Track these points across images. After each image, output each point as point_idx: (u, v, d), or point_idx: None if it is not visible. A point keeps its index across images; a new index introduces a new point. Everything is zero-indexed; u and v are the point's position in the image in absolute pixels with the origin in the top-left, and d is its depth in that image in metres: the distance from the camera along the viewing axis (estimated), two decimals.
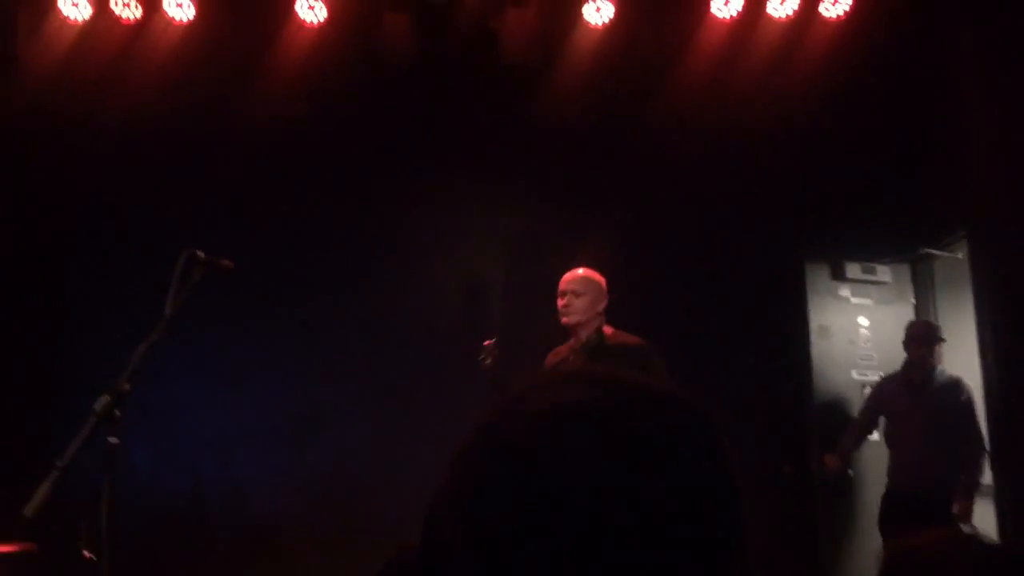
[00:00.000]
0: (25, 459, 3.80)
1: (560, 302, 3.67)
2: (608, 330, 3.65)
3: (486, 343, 3.78)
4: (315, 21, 4.89)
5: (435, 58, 4.98)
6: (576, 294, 3.62)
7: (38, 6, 4.64)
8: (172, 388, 4.53)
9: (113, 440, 2.88)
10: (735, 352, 4.93)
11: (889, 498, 4.51)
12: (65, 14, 4.72)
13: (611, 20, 4.87)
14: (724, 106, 5.04)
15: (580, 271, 3.71)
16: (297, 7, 4.86)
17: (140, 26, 4.84)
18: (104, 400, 2.75)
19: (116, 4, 4.74)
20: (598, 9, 4.84)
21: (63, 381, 4.53)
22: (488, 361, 3.72)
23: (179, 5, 4.79)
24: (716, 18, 4.94)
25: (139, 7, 4.78)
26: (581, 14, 4.89)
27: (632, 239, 4.98)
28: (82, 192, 5.04)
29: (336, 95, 4.95)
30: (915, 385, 4.50)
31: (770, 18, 4.94)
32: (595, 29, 4.94)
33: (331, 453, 4.85)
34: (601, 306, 3.65)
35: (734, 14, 4.90)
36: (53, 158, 4.97)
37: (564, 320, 3.65)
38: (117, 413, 2.82)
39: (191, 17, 4.82)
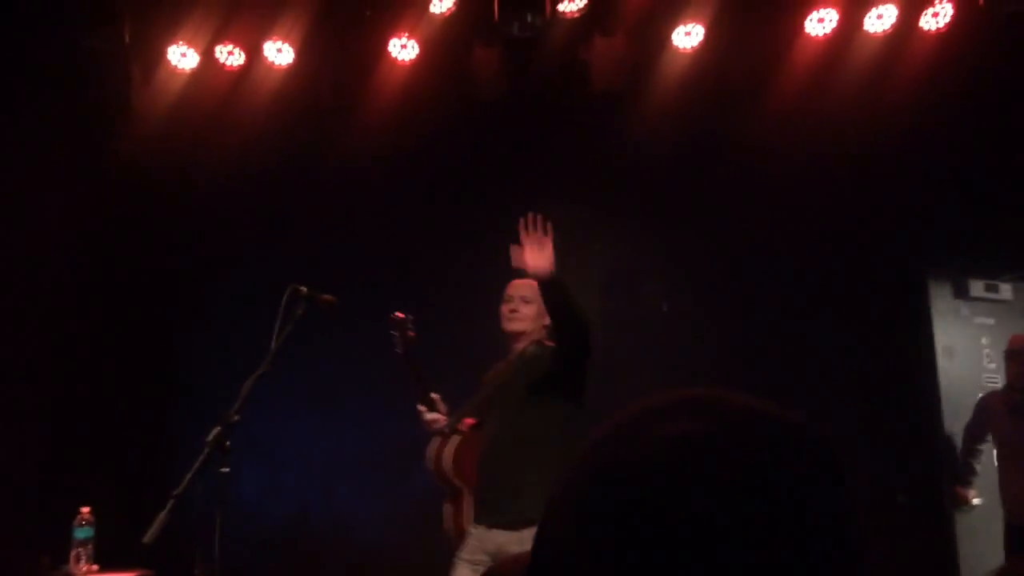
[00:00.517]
0: (142, 489, 3.96)
1: (506, 307, 3.45)
2: (549, 344, 3.38)
3: (398, 316, 3.45)
4: (407, 59, 5.01)
5: (525, 90, 5.04)
6: (525, 300, 3.40)
7: (150, 57, 4.89)
8: (278, 419, 4.66)
9: (224, 470, 3.00)
10: (855, 375, 4.78)
11: (1009, 532, 4.25)
12: (174, 64, 4.96)
13: (700, 43, 4.83)
14: (824, 124, 4.93)
15: (527, 280, 3.43)
16: (390, 47, 4.99)
17: (243, 72, 5.05)
18: (216, 432, 2.86)
19: (220, 52, 4.97)
20: (688, 33, 4.81)
21: (176, 414, 4.72)
22: (401, 339, 3.43)
23: (279, 50, 4.98)
24: (810, 36, 4.84)
25: (242, 54, 4.99)
26: (670, 39, 4.87)
27: (736, 264, 4.90)
28: (191, 232, 5.29)
29: (430, 130, 5.05)
30: (1017, 405, 4.23)
31: (867, 34, 4.82)
32: (684, 53, 4.91)
33: (432, 483, 4.89)
34: (547, 319, 3.35)
35: (828, 31, 4.79)
36: (165, 200, 5.23)
37: (509, 327, 3.42)
38: (228, 444, 2.93)
39: (290, 61, 5.01)
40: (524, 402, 3.29)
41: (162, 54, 4.90)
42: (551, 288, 3.13)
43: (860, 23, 4.79)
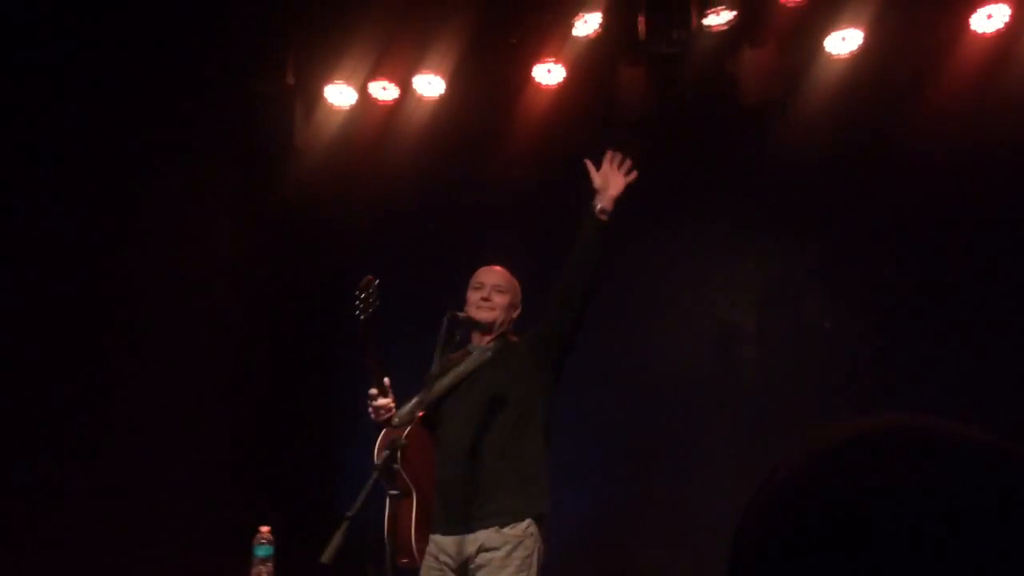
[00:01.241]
0: (312, 511, 4.12)
1: (477, 295, 3.25)
2: (514, 339, 3.25)
3: (369, 278, 3.19)
4: (552, 83, 5.06)
5: (671, 107, 4.99)
6: (499, 290, 3.24)
7: (310, 97, 5.16)
8: None
9: (393, 492, 3.09)
10: None
11: None
12: (331, 102, 5.21)
13: (859, 47, 4.64)
14: (992, 124, 4.62)
15: (499, 268, 3.33)
16: (535, 72, 5.05)
17: (396, 106, 5.24)
18: (384, 456, 2.96)
19: (374, 88, 5.18)
20: (843, 39, 4.63)
21: (345, 439, 4.91)
22: (365, 304, 3.15)
23: (429, 83, 5.14)
24: (977, 33, 4.56)
25: (395, 88, 5.19)
26: (823, 46, 4.70)
27: (902, 275, 4.66)
28: (351, 260, 5.51)
29: (576, 152, 5.06)
30: None
31: None
32: (839, 59, 4.72)
33: (587, 503, 4.87)
34: (515, 313, 3.28)
35: (1000, 26, 4.50)
36: (327, 231, 5.49)
37: (479, 316, 3.22)
38: (396, 467, 3.02)
39: (440, 92, 5.16)
40: (500, 400, 3.10)
41: (321, 93, 5.16)
42: (608, 226, 3.08)
43: None
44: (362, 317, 3.14)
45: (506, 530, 2.98)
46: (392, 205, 5.30)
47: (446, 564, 3.07)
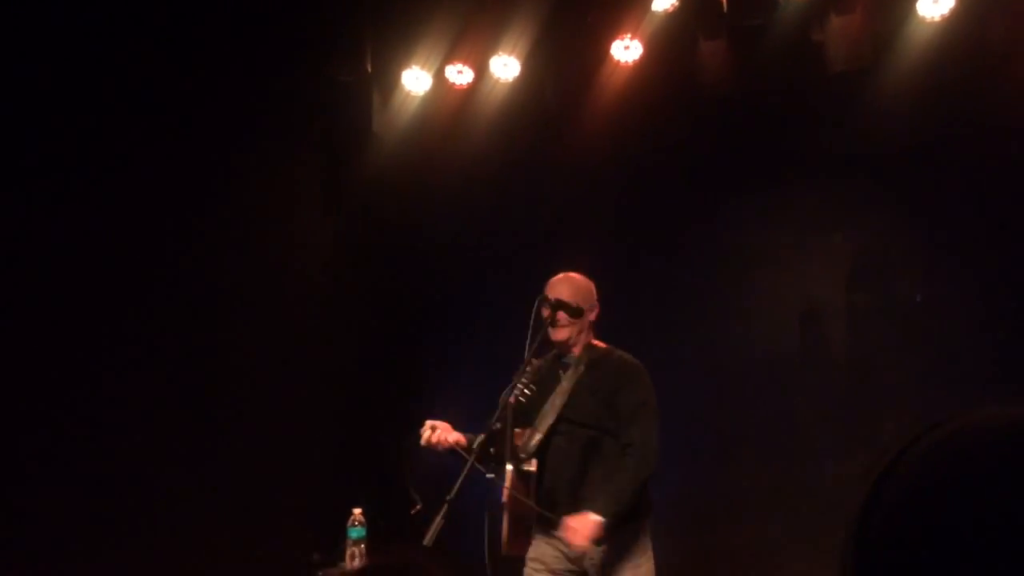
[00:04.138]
0: (404, 494, 4.14)
1: (546, 313, 3.28)
2: (601, 345, 3.40)
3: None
4: (631, 60, 4.98)
5: (754, 79, 4.86)
6: (563, 307, 3.27)
7: (387, 83, 5.18)
8: None
9: (490, 476, 3.11)
10: None
11: None
12: (408, 88, 5.22)
13: (951, 10, 4.44)
14: None
15: (563, 277, 3.39)
16: (613, 49, 4.98)
17: (472, 89, 5.23)
18: (480, 439, 2.98)
19: (450, 72, 5.17)
20: (935, 1, 4.44)
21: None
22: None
23: (504, 65, 5.11)
24: None
25: (470, 72, 5.17)
26: (915, 9, 4.52)
27: (997, 247, 4.47)
28: (430, 244, 5.56)
29: (657, 129, 4.99)
30: None
31: None
32: (931, 23, 4.53)
33: (675, 488, 4.82)
34: (592, 315, 3.37)
35: None
36: (406, 215, 5.53)
37: (553, 336, 3.31)
38: (492, 451, 3.04)
39: (516, 74, 5.12)
40: (599, 419, 3.28)
41: (397, 79, 5.18)
42: (614, 521, 3.10)
43: None
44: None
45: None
46: (470, 188, 5.31)
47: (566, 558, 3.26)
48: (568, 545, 3.12)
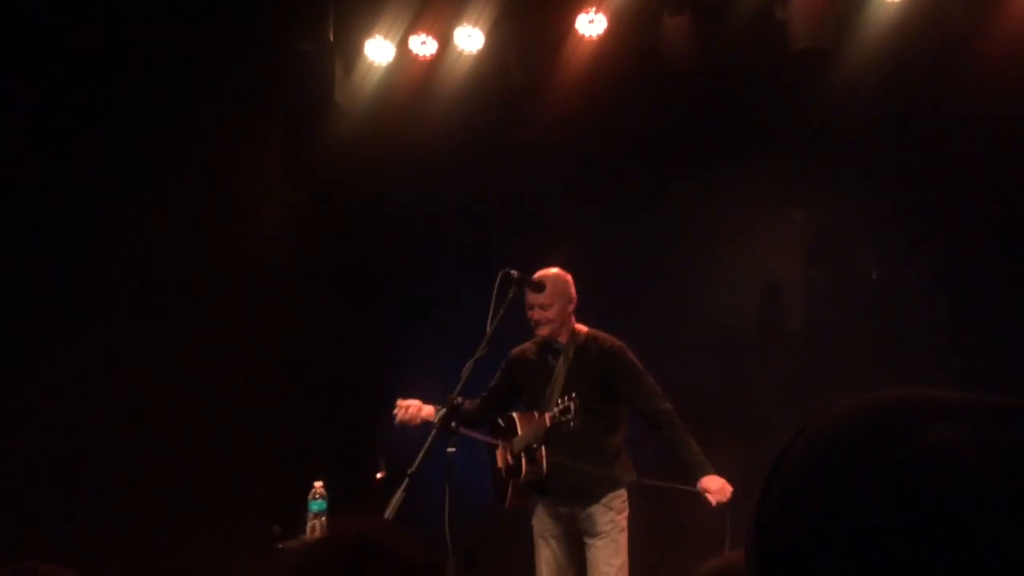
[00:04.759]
0: (366, 467, 4.18)
1: (529, 313, 3.58)
2: (583, 330, 3.66)
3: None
4: (595, 34, 4.97)
5: (717, 56, 4.87)
6: (543, 307, 3.55)
7: (350, 53, 5.12)
8: None
9: (451, 450, 3.12)
10: None
11: None
12: (371, 58, 5.16)
13: None
14: None
15: (542, 274, 3.58)
16: (577, 22, 4.96)
17: (435, 61, 5.18)
18: (442, 413, 2.99)
19: (414, 43, 5.11)
20: None
21: (396, 394, 4.95)
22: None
23: (469, 36, 5.07)
24: None
25: (434, 42, 5.12)
26: None
27: (952, 226, 4.56)
28: (392, 215, 5.52)
29: (621, 105, 5.00)
30: None
31: None
32: (891, 3, 4.58)
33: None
34: (571, 307, 3.63)
35: None
36: (368, 187, 5.49)
37: (539, 332, 3.62)
38: (453, 425, 3.05)
39: (480, 46, 5.08)
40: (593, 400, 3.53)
41: (360, 49, 5.11)
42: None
43: None
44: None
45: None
46: (432, 160, 5.28)
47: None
48: (717, 503, 3.54)
